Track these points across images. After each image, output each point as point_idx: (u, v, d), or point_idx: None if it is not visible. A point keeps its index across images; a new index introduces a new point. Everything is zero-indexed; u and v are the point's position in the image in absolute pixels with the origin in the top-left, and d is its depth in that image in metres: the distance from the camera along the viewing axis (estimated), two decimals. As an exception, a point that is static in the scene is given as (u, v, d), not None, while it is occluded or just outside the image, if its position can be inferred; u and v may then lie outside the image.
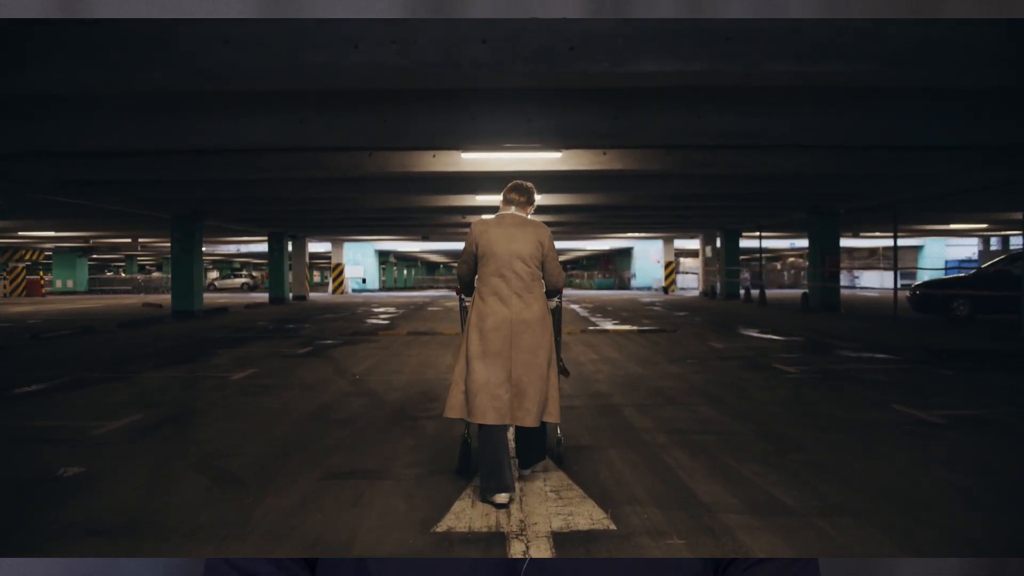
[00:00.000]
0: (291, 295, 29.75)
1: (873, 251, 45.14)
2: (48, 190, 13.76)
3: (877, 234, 32.32)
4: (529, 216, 4.27)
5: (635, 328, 14.61)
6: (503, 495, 3.82)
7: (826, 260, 19.33)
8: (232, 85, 6.82)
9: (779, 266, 48.07)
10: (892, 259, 43.13)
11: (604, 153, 11.40)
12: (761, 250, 25.64)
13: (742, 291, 26.27)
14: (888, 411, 6.23)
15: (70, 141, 8.54)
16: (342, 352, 10.89)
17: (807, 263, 46.28)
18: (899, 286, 16.81)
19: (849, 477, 4.32)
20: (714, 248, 30.06)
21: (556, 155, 10.69)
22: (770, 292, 25.70)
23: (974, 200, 16.79)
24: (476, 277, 4.17)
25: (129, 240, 32.51)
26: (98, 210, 16.90)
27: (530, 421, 3.93)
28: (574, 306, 23.30)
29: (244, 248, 39.35)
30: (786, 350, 10.88)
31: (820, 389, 7.41)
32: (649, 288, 38.64)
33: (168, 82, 6.37)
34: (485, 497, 3.87)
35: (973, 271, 17.43)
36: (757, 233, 25.21)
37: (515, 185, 4.28)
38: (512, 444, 4.39)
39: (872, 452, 4.91)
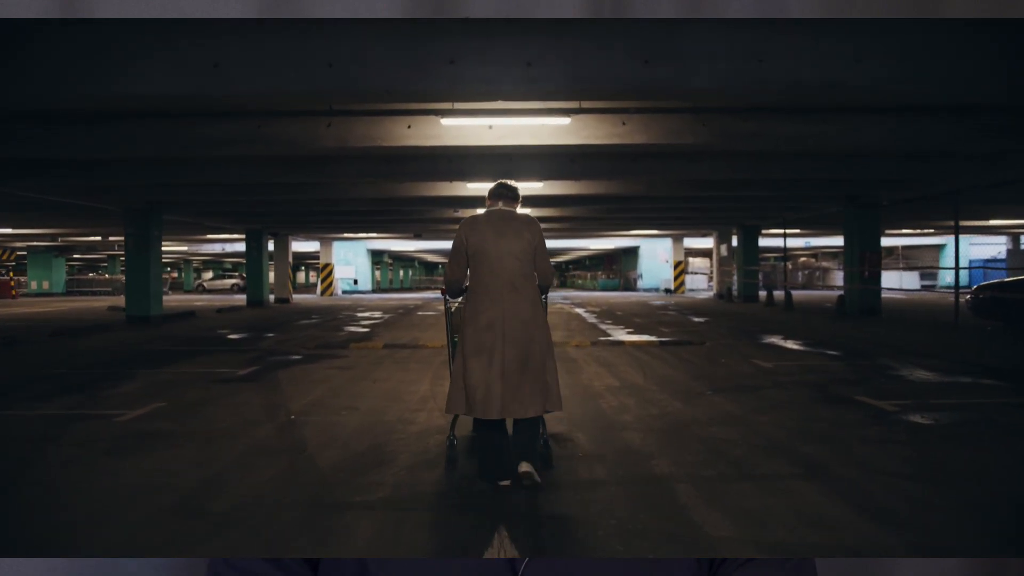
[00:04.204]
0: (272, 297, 27.52)
1: (891, 251, 42.83)
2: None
3: (906, 231, 30.02)
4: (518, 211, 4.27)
5: (655, 339, 12.27)
6: (505, 481, 3.94)
7: (865, 258, 16.97)
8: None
9: (790, 266, 45.79)
10: (912, 259, 41.01)
11: (624, 123, 9.10)
12: (786, 248, 23.37)
13: (763, 293, 23.91)
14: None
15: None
16: (292, 374, 8.58)
17: (819, 262, 44.59)
18: (920, 287, 14.48)
19: None
20: (729, 246, 27.77)
21: (563, 121, 8.35)
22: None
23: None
24: (468, 275, 4.12)
25: (99, 238, 30.20)
26: (28, 200, 14.59)
27: (530, 412, 3.93)
28: (579, 310, 20.97)
29: (229, 247, 37.15)
30: (854, 371, 8.55)
31: (958, 444, 5.06)
32: (656, 289, 36.29)
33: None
34: (484, 476, 4.01)
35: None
36: (781, 230, 22.95)
37: (501, 183, 4.31)
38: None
39: None
